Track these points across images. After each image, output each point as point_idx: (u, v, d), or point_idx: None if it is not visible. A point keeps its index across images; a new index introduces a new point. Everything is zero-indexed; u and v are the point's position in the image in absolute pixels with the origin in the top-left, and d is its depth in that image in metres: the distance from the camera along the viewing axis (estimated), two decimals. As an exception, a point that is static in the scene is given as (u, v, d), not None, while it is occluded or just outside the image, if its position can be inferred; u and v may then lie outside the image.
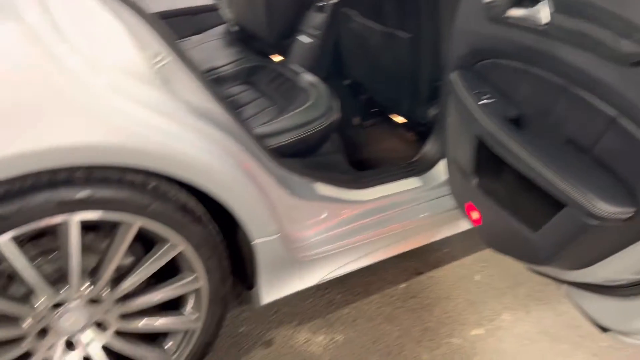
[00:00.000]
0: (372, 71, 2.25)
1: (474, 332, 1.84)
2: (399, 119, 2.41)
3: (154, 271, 1.32)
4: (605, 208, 1.06)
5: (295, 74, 2.04)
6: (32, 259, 1.18)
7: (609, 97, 1.07)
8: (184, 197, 1.29)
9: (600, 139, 1.11)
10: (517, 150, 1.21)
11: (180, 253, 1.33)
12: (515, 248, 1.38)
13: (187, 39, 2.52)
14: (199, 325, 1.44)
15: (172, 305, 1.46)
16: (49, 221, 1.11)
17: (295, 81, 1.99)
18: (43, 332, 1.26)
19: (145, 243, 1.37)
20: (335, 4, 2.32)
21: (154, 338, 1.48)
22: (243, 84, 2.13)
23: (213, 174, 1.27)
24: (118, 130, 1.11)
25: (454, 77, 1.46)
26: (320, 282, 1.65)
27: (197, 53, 2.32)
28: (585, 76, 1.10)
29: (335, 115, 1.80)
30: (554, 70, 1.18)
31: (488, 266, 2.14)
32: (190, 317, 1.43)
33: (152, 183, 1.22)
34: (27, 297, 1.21)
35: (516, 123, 1.29)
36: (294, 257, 1.55)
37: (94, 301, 1.29)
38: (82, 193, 1.12)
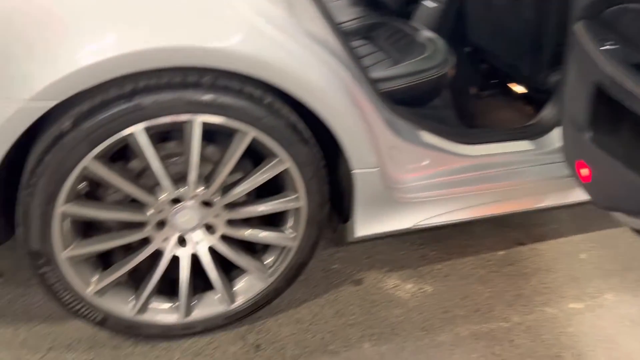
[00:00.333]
0: (495, 35, 2.20)
1: (572, 305, 1.76)
2: (519, 89, 2.34)
3: (261, 183, 1.43)
4: None
5: (415, 30, 2.06)
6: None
7: None
8: (294, 118, 1.39)
9: None
10: None
11: (285, 172, 1.43)
12: (622, 200, 1.31)
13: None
14: (295, 245, 1.53)
15: (274, 224, 1.57)
16: (177, 118, 1.25)
17: (414, 36, 2.02)
18: (161, 225, 1.42)
19: (254, 161, 1.49)
20: (463, -34, 2.30)
21: (254, 252, 1.60)
22: (362, 39, 2.19)
23: (323, 95, 1.35)
24: (248, 40, 1.23)
25: (578, 28, 1.41)
26: (415, 228, 1.68)
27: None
28: None
29: (449, 69, 1.81)
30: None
31: (597, 247, 2.03)
32: (288, 235, 1.53)
33: (268, 99, 1.33)
34: (152, 189, 1.37)
35: (640, 70, 1.23)
36: (391, 196, 1.59)
37: (206, 204, 1.42)
38: (207, 96, 1.25)
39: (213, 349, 1.55)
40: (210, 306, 1.55)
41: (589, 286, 1.84)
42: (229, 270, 1.59)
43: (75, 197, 1.30)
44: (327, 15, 1.41)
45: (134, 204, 1.41)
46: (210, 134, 1.46)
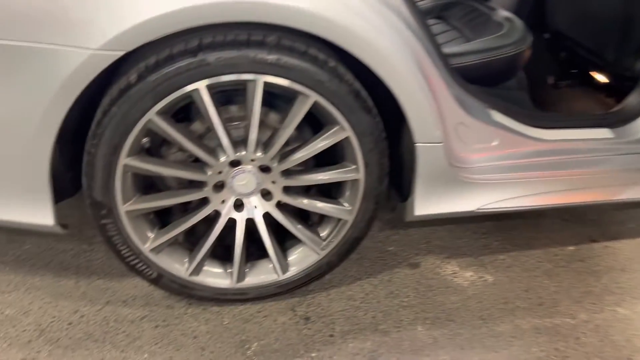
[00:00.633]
0: (578, 20, 2.08)
1: (647, 308, 1.63)
2: (601, 78, 2.19)
3: (319, 151, 1.40)
4: None
5: (491, 10, 1.97)
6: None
7: None
8: (357, 85, 1.35)
9: None
10: None
11: (344, 141, 1.39)
12: None
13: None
14: (350, 218, 1.50)
15: (330, 197, 1.54)
16: (240, 77, 1.25)
17: (490, 15, 1.93)
18: (219, 187, 1.42)
19: (314, 129, 1.47)
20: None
21: (309, 224, 1.58)
22: (435, 18, 2.12)
23: (391, 62, 1.30)
24: (321, 2, 1.21)
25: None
26: (478, 212, 1.60)
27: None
28: None
29: (525, 48, 1.71)
30: None
31: (680, 250, 1.87)
32: (345, 208, 1.49)
33: (332, 62, 1.30)
34: (213, 151, 1.37)
35: None
36: (454, 175, 1.52)
37: (264, 170, 1.41)
38: (271, 56, 1.24)
39: (263, 317, 1.54)
40: (263, 274, 1.54)
41: (668, 290, 1.69)
42: (283, 241, 1.58)
43: (138, 151, 1.32)
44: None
45: (195, 164, 1.42)
46: (271, 101, 1.46)
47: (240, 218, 1.47)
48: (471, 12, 2.03)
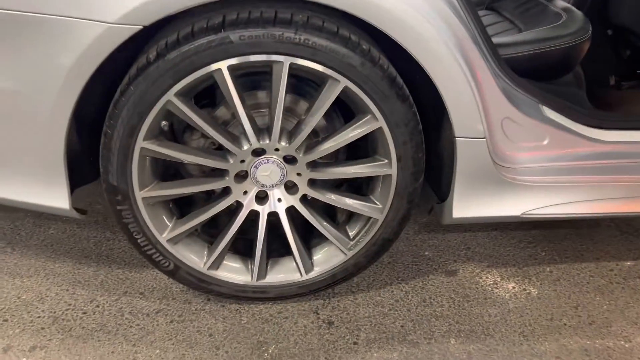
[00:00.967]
0: (646, 13, 1.89)
1: None
2: (670, 79, 1.99)
3: (348, 142, 1.29)
4: None
5: (548, 0, 1.81)
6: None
7: None
8: (393, 71, 1.23)
9: None
10: None
11: (376, 132, 1.28)
12: None
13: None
14: (381, 217, 1.38)
15: (359, 194, 1.44)
16: (265, 57, 1.16)
17: (546, 5, 1.78)
18: (242, 177, 1.34)
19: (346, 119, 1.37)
20: None
21: (336, 223, 1.48)
22: (485, 9, 1.98)
23: (431, 45, 1.19)
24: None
25: None
26: (524, 217, 1.45)
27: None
28: None
29: (585, 39, 1.55)
30: None
31: None
32: (375, 205, 1.38)
33: (365, 45, 1.19)
34: (236, 139, 1.29)
35: None
36: (498, 175, 1.38)
37: (289, 161, 1.32)
38: (299, 35, 1.14)
39: (283, 318, 1.44)
40: (285, 272, 1.45)
41: None
42: (308, 239, 1.48)
43: (157, 134, 1.26)
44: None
45: (217, 151, 1.34)
46: (301, 87, 1.36)
47: (263, 211, 1.38)
48: (526, 3, 1.88)
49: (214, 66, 1.16)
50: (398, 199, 1.36)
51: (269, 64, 1.18)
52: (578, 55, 1.57)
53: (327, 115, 1.29)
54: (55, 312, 1.43)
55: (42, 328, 1.38)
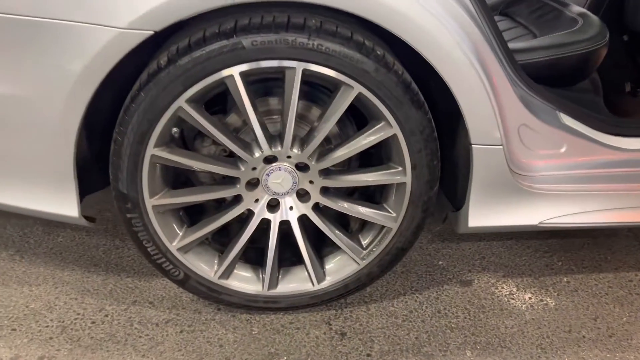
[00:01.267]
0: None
1: None
2: (688, 86, 1.95)
3: (361, 150, 1.27)
4: None
5: (563, 5, 1.79)
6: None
7: None
8: (408, 77, 1.21)
9: None
10: None
11: (390, 140, 1.26)
12: None
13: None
14: (395, 226, 1.35)
15: (376, 202, 1.41)
16: (277, 63, 1.14)
17: (562, 11, 1.75)
18: (253, 185, 1.31)
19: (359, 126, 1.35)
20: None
21: (349, 229, 1.45)
22: (499, 15, 1.96)
23: (447, 50, 1.17)
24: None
25: None
26: (541, 227, 1.42)
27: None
28: None
29: (602, 45, 1.52)
30: None
31: None
32: (389, 214, 1.35)
33: (379, 50, 1.17)
34: (248, 146, 1.27)
35: None
36: (515, 183, 1.35)
37: (301, 168, 1.30)
38: (312, 41, 1.12)
39: (295, 329, 1.41)
40: (296, 282, 1.43)
41: None
42: (320, 248, 1.45)
43: (168, 141, 1.24)
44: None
45: (228, 158, 1.32)
46: (314, 93, 1.34)
47: (274, 219, 1.36)
48: (540, 8, 1.85)
49: (226, 72, 1.14)
50: (412, 207, 1.33)
51: (282, 70, 1.16)
52: (596, 61, 1.54)
53: (339, 121, 1.27)
54: (63, 322, 1.41)
55: (51, 338, 1.36)
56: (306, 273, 1.41)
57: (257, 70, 1.15)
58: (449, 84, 1.21)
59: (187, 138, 1.35)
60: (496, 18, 1.96)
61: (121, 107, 1.19)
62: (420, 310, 1.49)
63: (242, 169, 1.28)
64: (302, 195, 1.35)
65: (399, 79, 1.19)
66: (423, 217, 1.35)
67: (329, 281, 1.41)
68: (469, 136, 1.26)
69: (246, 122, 1.33)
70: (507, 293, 1.56)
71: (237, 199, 1.33)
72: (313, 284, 1.41)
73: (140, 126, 1.17)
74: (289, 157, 1.27)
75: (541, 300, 1.54)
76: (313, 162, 1.28)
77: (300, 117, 1.33)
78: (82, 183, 1.29)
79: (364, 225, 1.43)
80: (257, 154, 1.26)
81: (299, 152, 1.26)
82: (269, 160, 1.28)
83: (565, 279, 1.63)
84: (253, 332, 1.40)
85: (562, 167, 1.41)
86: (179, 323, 1.42)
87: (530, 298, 1.55)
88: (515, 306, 1.52)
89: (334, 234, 1.37)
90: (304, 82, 1.18)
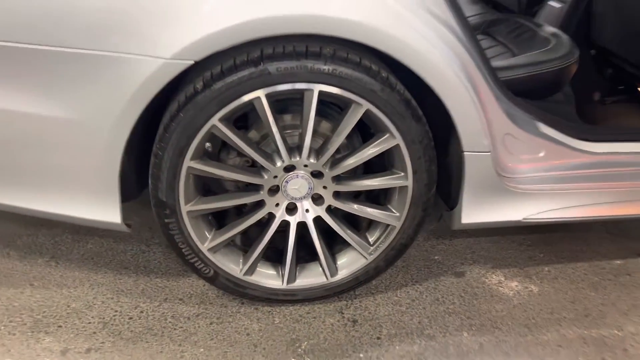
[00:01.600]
0: (625, 35, 2.08)
1: (698, 323, 1.61)
2: (649, 94, 2.19)
3: (369, 158, 1.46)
4: None
5: (537, 26, 2.01)
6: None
7: None
8: (408, 94, 1.41)
9: None
10: None
11: (393, 149, 1.45)
12: None
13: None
14: (398, 224, 1.55)
15: (378, 204, 1.60)
16: (298, 85, 1.33)
17: (536, 31, 1.97)
18: (274, 191, 1.50)
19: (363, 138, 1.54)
20: (595, -36, 2.21)
21: (357, 230, 1.64)
22: (481, 34, 2.17)
23: (440, 71, 1.36)
24: (372, 12, 1.29)
25: None
26: (525, 222, 1.62)
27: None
28: None
29: (572, 62, 1.74)
30: None
31: None
32: (393, 214, 1.55)
33: (384, 73, 1.36)
34: (270, 156, 1.45)
35: None
36: (501, 184, 1.56)
37: (316, 175, 1.48)
38: (327, 66, 1.32)
39: (312, 318, 1.60)
40: (312, 276, 1.60)
41: None
42: (331, 245, 1.64)
43: (202, 155, 1.41)
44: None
45: (252, 168, 1.51)
46: (323, 109, 1.53)
47: (293, 221, 1.54)
48: (517, 28, 2.07)
49: (254, 94, 1.32)
50: (414, 207, 1.53)
51: (301, 91, 1.35)
52: (567, 76, 1.75)
53: (348, 134, 1.46)
54: (104, 318, 1.57)
55: (94, 332, 1.52)
56: (320, 268, 1.59)
57: (281, 92, 1.34)
58: (443, 100, 1.41)
59: (213, 150, 1.53)
60: (479, 37, 2.18)
61: (148, 122, 1.36)
62: (421, 299, 1.68)
63: (265, 177, 1.46)
64: (317, 199, 1.54)
65: (401, 97, 1.38)
66: (423, 215, 1.55)
67: (341, 275, 1.60)
68: (461, 144, 1.46)
69: (264, 137, 1.52)
70: (496, 282, 1.76)
71: (260, 204, 1.51)
72: (327, 278, 1.59)
73: (179, 142, 1.35)
74: (305, 165, 1.46)
75: (526, 287, 1.74)
76: (327, 170, 1.47)
77: (314, 130, 1.51)
78: (121, 193, 1.46)
79: (371, 223, 1.62)
80: (278, 164, 1.45)
81: (315, 161, 1.45)
82: (288, 169, 1.46)
83: (546, 269, 1.84)
84: (275, 322, 1.58)
85: (541, 170, 1.62)
86: (208, 316, 1.59)
87: (516, 285, 1.75)
88: (503, 293, 1.72)
89: (345, 233, 1.56)
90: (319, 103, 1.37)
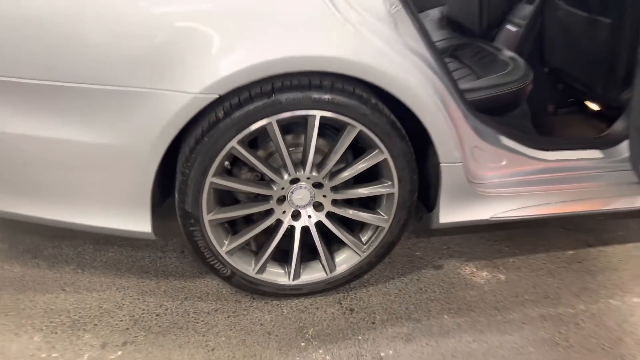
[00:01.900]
0: (572, 57, 2.42)
1: (635, 299, 1.94)
2: (594, 107, 2.53)
3: (361, 170, 1.73)
4: None
5: (497, 50, 2.33)
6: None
7: None
8: (393, 117, 1.69)
9: None
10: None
11: (382, 162, 1.73)
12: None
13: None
14: (387, 225, 1.82)
15: (368, 208, 1.88)
16: (303, 112, 1.59)
17: (496, 55, 2.29)
18: (281, 201, 1.75)
19: (355, 155, 1.82)
20: (544, -5, 2.55)
21: (351, 231, 1.91)
22: (448, 57, 2.48)
23: (418, 96, 1.64)
24: (361, 51, 1.56)
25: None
26: (492, 220, 1.92)
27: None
28: None
29: (527, 83, 2.06)
30: None
31: (665, 252, 2.18)
32: (382, 217, 1.83)
33: (373, 100, 1.64)
34: (278, 171, 1.71)
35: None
36: (472, 189, 1.85)
37: (316, 186, 1.75)
38: (327, 96, 1.58)
39: (315, 308, 1.86)
40: (314, 273, 1.87)
41: (654, 285, 2.01)
42: (330, 245, 1.90)
43: (221, 172, 1.66)
44: (425, 33, 1.71)
45: (262, 181, 1.76)
46: (321, 131, 1.79)
47: (298, 226, 1.80)
48: (480, 52, 2.39)
49: (267, 120, 1.58)
50: (399, 210, 1.81)
51: (305, 117, 1.62)
52: (523, 96, 2.07)
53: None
54: (134, 316, 1.80)
55: (127, 328, 1.75)
56: (321, 265, 1.85)
57: (288, 118, 1.60)
58: (421, 120, 1.69)
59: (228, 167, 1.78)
60: (447, 59, 2.49)
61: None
62: (407, 289, 1.96)
63: (274, 189, 1.72)
64: (318, 206, 1.80)
65: (388, 119, 1.66)
66: (407, 217, 1.83)
67: (339, 270, 1.87)
68: (437, 157, 1.75)
69: (270, 154, 1.78)
70: (469, 272, 2.06)
71: (269, 212, 1.77)
72: (327, 274, 1.86)
73: (203, 162, 1.59)
74: (308, 178, 1.72)
75: (494, 276, 2.04)
76: (326, 181, 1.74)
77: (317, 150, 1.76)
78: (149, 206, 1.69)
79: (363, 225, 1.89)
80: (285, 177, 1.71)
81: (316, 174, 1.72)
82: (293, 181, 1.72)
83: (511, 260, 2.14)
84: (284, 313, 1.83)
85: (504, 176, 1.92)
86: (225, 310, 1.84)
87: (486, 275, 2.05)
88: (476, 281, 2.01)
89: (342, 234, 1.83)
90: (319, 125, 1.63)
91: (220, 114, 1.56)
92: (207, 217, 1.68)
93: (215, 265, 1.77)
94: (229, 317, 1.81)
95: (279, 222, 1.79)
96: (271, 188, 1.72)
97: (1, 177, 1.60)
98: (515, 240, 2.26)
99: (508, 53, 2.29)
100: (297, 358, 1.66)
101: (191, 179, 1.61)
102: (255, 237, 1.86)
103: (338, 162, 1.81)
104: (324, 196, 1.77)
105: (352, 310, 1.86)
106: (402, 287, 1.97)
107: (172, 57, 1.49)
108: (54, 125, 1.53)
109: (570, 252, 2.20)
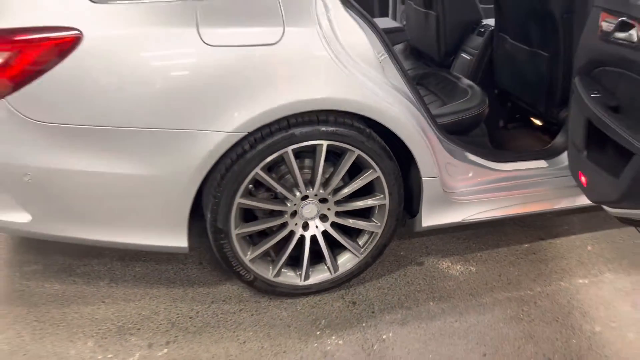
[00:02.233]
0: (517, 82, 2.89)
1: (580, 280, 2.39)
2: (537, 122, 3.01)
3: (359, 187, 2.11)
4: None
5: (457, 79, 2.77)
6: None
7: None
8: (384, 143, 2.08)
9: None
10: (612, 125, 1.82)
11: (375, 179, 2.11)
12: (605, 195, 1.96)
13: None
14: (380, 231, 2.21)
15: (365, 217, 2.25)
16: (313, 142, 1.95)
17: (457, 83, 2.72)
18: (293, 215, 2.11)
19: (351, 175, 2.19)
20: (492, 30, 3.01)
21: (350, 236, 2.28)
22: (417, 85, 2.90)
23: (403, 125, 2.04)
24: (357, 92, 1.93)
25: (576, 81, 2.09)
26: (464, 222, 2.33)
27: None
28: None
29: (485, 108, 2.50)
30: (641, 73, 1.78)
31: (600, 242, 2.66)
32: (376, 224, 2.21)
33: (368, 130, 2.03)
34: (291, 189, 2.06)
35: (615, 110, 1.89)
36: (447, 198, 2.26)
37: (322, 201, 2.11)
38: (332, 128, 1.95)
39: (324, 303, 2.22)
40: (321, 274, 2.22)
41: (593, 268, 2.47)
42: (332, 249, 2.27)
43: (246, 193, 2.00)
44: (405, 75, 2.12)
45: (278, 199, 2.11)
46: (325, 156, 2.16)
47: (307, 235, 2.16)
48: (443, 81, 2.82)
49: (284, 150, 1.93)
50: (390, 218, 2.19)
51: (314, 146, 1.98)
52: (481, 118, 2.51)
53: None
54: (170, 320, 2.10)
55: (167, 330, 2.05)
56: (326, 267, 2.22)
57: (301, 147, 1.96)
58: (406, 144, 2.08)
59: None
60: (415, 87, 2.91)
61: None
62: (397, 283, 2.35)
63: (289, 205, 2.07)
64: (323, 218, 2.16)
65: (379, 145, 2.05)
66: (396, 223, 2.22)
67: (341, 271, 2.23)
68: (420, 173, 2.15)
69: (282, 177, 2.13)
70: (446, 266, 2.47)
71: (283, 225, 2.12)
72: (331, 274, 2.22)
73: (232, 186, 1.93)
74: (315, 195, 2.08)
75: (467, 269, 2.46)
76: (331, 197, 2.11)
77: (324, 172, 2.12)
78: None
79: (360, 231, 2.27)
80: (297, 195, 2.06)
81: (323, 192, 2.08)
82: (304, 198, 2.08)
83: (479, 254, 2.57)
84: (298, 309, 2.18)
85: (471, 185, 2.34)
86: (248, 310, 2.17)
87: (460, 267, 2.46)
88: (452, 273, 2.42)
89: (343, 240, 2.20)
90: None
91: (247, 147, 1.90)
92: (234, 232, 2.02)
93: (240, 272, 2.10)
94: (252, 315, 2.14)
95: (291, 233, 2.14)
96: (286, 204, 2.07)
97: (68, 207, 1.88)
98: (482, 238, 2.69)
99: (466, 81, 2.73)
100: (315, 344, 2.02)
101: (222, 201, 1.95)
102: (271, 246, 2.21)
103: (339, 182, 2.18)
104: (329, 209, 2.14)
105: (354, 303, 2.23)
106: (393, 282, 2.36)
107: (209, 104, 1.81)
108: (110, 161, 1.83)
109: (526, 245, 2.65)
